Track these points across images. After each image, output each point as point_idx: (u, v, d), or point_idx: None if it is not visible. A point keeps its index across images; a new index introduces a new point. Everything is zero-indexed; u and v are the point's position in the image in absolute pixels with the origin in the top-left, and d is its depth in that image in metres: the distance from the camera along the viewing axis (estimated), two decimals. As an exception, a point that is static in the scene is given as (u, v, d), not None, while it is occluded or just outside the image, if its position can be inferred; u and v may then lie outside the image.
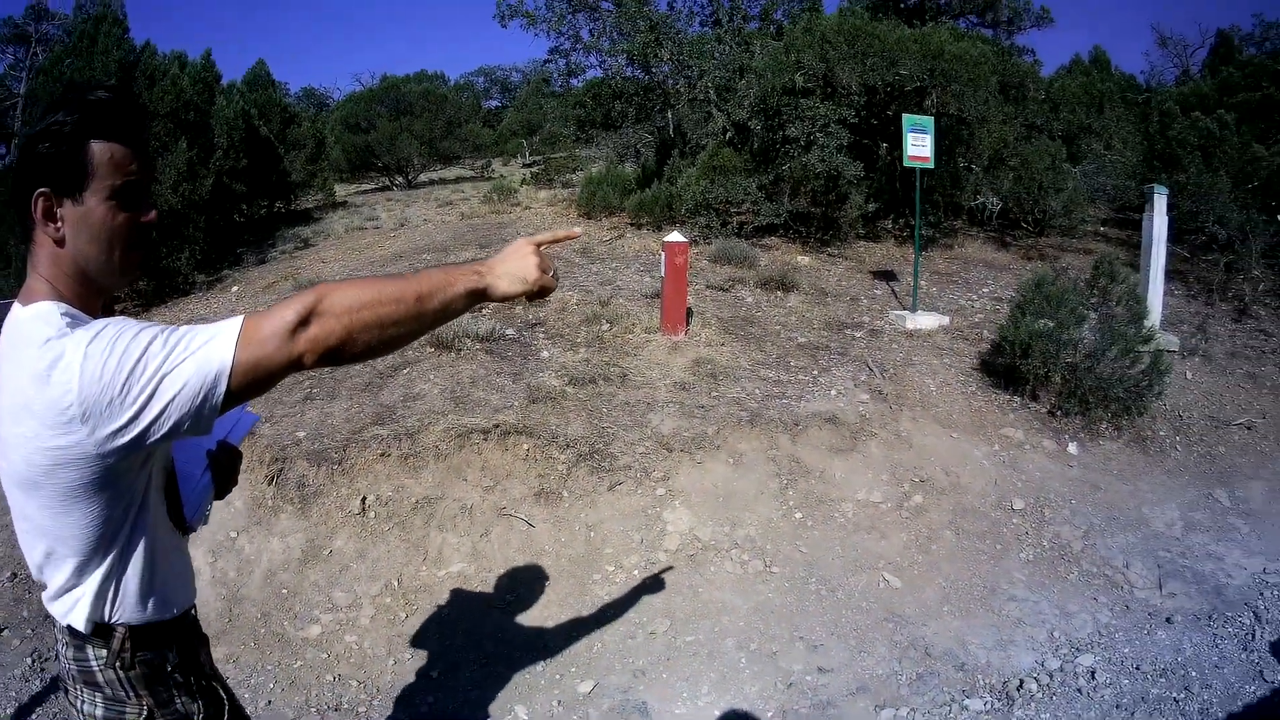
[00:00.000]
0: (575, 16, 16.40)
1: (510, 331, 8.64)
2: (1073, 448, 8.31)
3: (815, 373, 8.50)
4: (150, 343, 1.57)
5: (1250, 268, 12.99)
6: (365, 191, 25.31)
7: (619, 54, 15.59)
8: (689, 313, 9.14)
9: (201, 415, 1.61)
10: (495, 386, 7.52)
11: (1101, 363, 8.48)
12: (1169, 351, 9.66)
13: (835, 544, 6.44)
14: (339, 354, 1.68)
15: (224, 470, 2.32)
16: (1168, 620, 6.11)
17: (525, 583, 5.77)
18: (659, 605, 5.70)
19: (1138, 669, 5.46)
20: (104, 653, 1.87)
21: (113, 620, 1.85)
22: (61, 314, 1.67)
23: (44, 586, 1.85)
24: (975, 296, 11.67)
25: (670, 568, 5.99)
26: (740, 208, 13.30)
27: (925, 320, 10.15)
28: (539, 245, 1.98)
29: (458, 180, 26.05)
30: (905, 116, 10.21)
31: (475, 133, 29.61)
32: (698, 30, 16.95)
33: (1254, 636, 5.90)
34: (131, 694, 1.90)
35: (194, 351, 1.58)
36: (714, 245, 12.06)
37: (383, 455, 6.48)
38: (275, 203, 18.78)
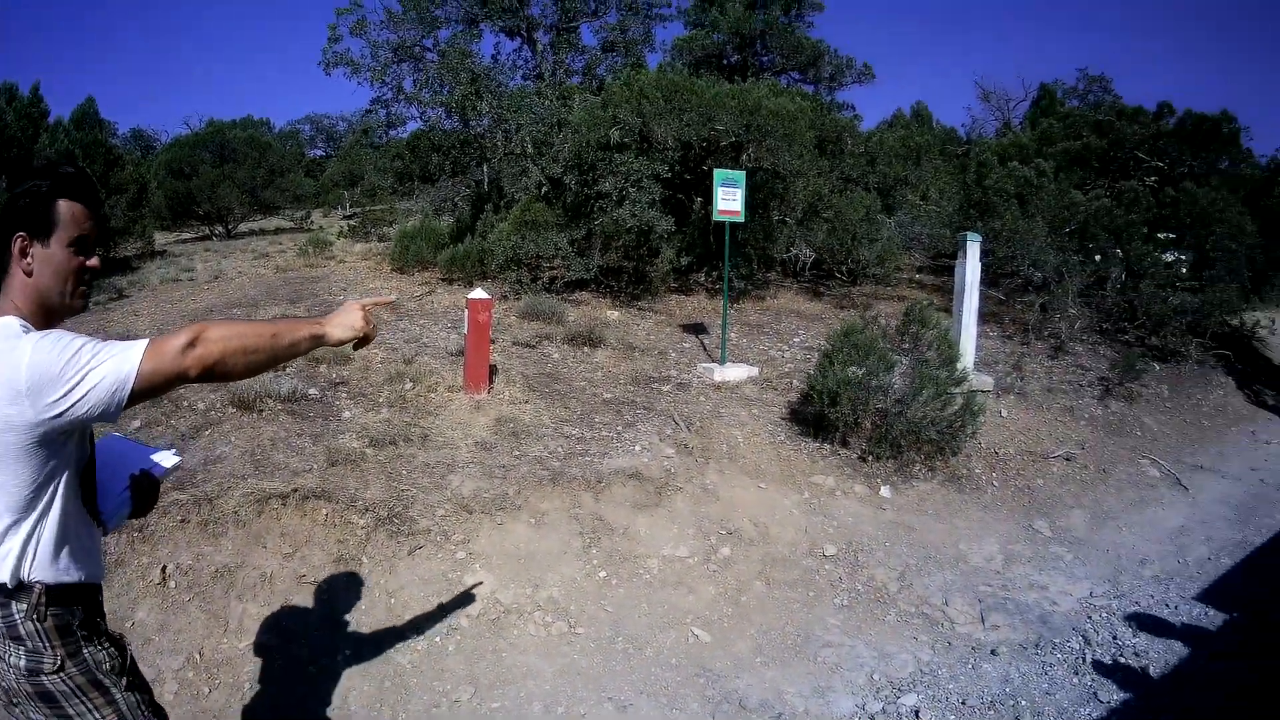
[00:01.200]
0: (399, 66, 16.94)
1: (313, 391, 8.66)
2: (885, 491, 8.82)
3: (620, 428, 8.84)
4: (81, 346, 2.23)
5: (1066, 306, 14.08)
6: (185, 240, 24.78)
7: (438, 105, 15.95)
8: (493, 370, 9.38)
9: (111, 405, 2.25)
10: (295, 448, 7.52)
11: (913, 406, 9.08)
12: (983, 391, 10.32)
13: (641, 601, 6.67)
14: (214, 371, 2.37)
15: (144, 493, 3.01)
16: (992, 653, 6.40)
17: (327, 653, 5.76)
18: (463, 672, 5.76)
19: (964, 704, 5.69)
20: (24, 606, 2.38)
21: (31, 578, 2.38)
22: (20, 324, 2.34)
23: None
24: (786, 347, 12.36)
25: (473, 633, 6.09)
26: (552, 263, 13.71)
27: (734, 372, 10.69)
28: (364, 306, 2.78)
29: (277, 231, 25.83)
30: (716, 171, 10.76)
31: (297, 182, 29.75)
32: (519, 83, 17.52)
33: (1084, 660, 6.29)
34: (47, 644, 2.41)
35: (113, 355, 2.24)
36: (523, 301, 12.52)
37: (183, 522, 6.35)
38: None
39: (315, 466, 7.25)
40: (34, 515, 2.37)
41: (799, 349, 12.24)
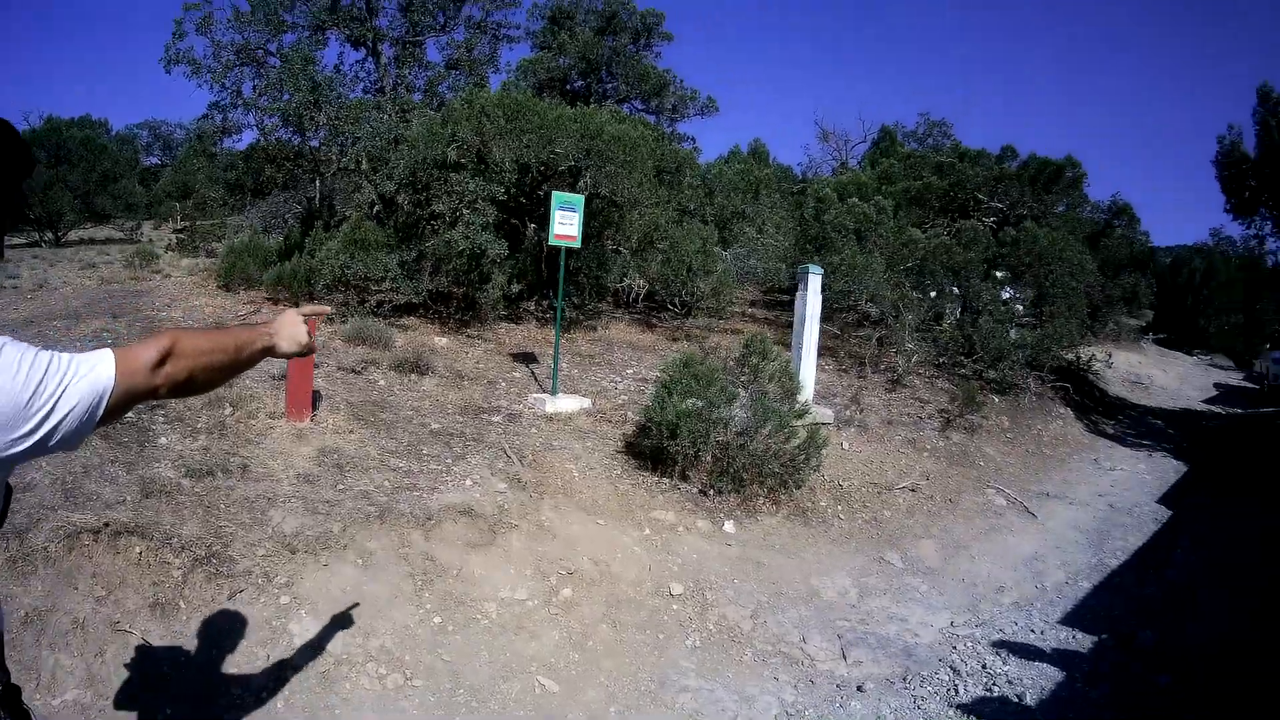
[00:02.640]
0: (240, 70, 16.51)
1: (128, 415, 8.22)
2: (729, 526, 8.92)
3: (449, 461, 8.70)
4: (48, 365, 1.94)
5: (903, 341, 14.56)
6: (14, 245, 23.31)
7: (275, 112, 15.54)
8: (316, 397, 9.10)
9: (85, 430, 2.02)
10: (108, 477, 7.06)
11: (755, 440, 9.25)
12: (824, 424, 10.52)
13: (481, 649, 6.53)
14: (181, 389, 2.28)
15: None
16: (859, 689, 6.52)
17: (147, 710, 5.40)
18: (292, 734, 5.58)
19: (838, 746, 5.70)
20: None
21: None
22: None
23: None
24: (619, 378, 12.49)
25: (303, 687, 5.83)
26: (380, 285, 13.49)
27: (566, 404, 10.72)
28: (304, 315, 2.86)
29: (107, 241, 24.68)
30: (554, 194, 10.76)
31: (130, 190, 28.91)
32: (359, 96, 17.23)
33: (956, 691, 6.46)
34: None
35: (84, 375, 1.99)
36: (349, 324, 12.27)
37: None
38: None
39: (129, 498, 6.86)
40: None
41: (632, 380, 12.37)
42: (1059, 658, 7.00)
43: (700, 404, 9.16)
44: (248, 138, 19.00)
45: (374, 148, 15.15)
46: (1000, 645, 7.16)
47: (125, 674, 5.50)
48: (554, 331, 12.64)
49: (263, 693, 5.69)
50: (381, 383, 10.68)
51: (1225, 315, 31.61)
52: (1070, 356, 17.12)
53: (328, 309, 3.20)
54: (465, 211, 12.65)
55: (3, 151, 2.15)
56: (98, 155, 28.66)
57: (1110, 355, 18.90)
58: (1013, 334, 15.14)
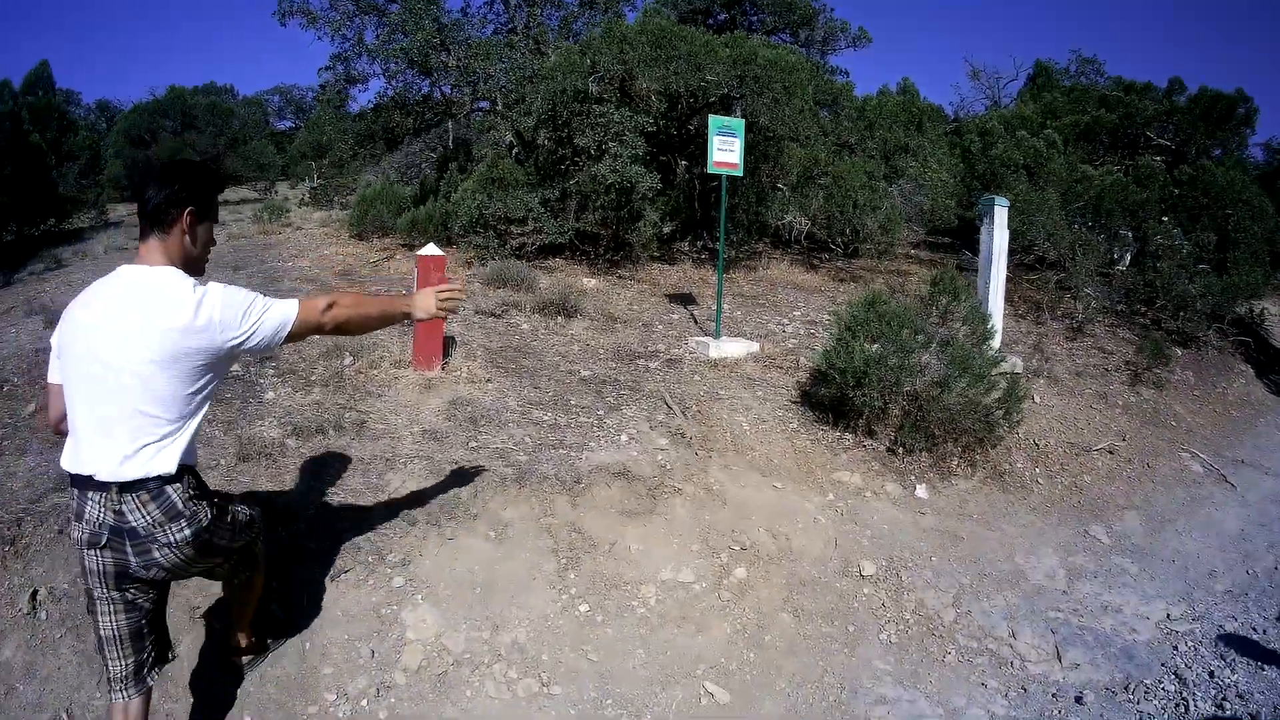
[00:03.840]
0: (360, 19, 14.49)
1: (235, 367, 6.60)
2: (922, 491, 7.00)
3: (601, 413, 6.85)
4: (255, 297, 3.05)
5: (1081, 285, 12.21)
6: None
7: (398, 56, 13.71)
8: (449, 343, 7.44)
9: (274, 342, 3.11)
10: (202, 437, 5.48)
11: (951, 391, 7.20)
12: (1016, 374, 8.45)
13: (636, 646, 4.76)
14: (340, 328, 3.34)
15: None
16: (1078, 700, 4.97)
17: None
18: (394, 753, 3.96)
19: (1056, 778, 4.18)
20: (181, 485, 3.02)
21: (185, 463, 3.03)
22: (185, 275, 3.00)
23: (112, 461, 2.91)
24: (786, 321, 10.34)
25: (412, 694, 4.14)
26: (523, 225, 11.61)
27: (731, 347, 8.69)
28: (439, 293, 3.66)
29: (241, 202, 23.47)
30: (711, 118, 8.80)
31: (261, 151, 27.38)
32: (489, 36, 15.26)
33: (1187, 708, 4.92)
34: (203, 504, 3.12)
35: (277, 307, 3.08)
36: (489, 267, 10.48)
37: (61, 532, 4.43)
38: (46, 220, 17.04)
39: (223, 461, 5.37)
40: (196, 418, 3.05)
41: (800, 323, 10.26)
42: (1288, 667, 5.50)
43: (890, 349, 7.14)
44: (374, 88, 17.27)
45: (509, 84, 13.16)
46: (1222, 647, 5.65)
47: (206, 668, 4.16)
48: (713, 272, 10.83)
49: (362, 700, 4.04)
50: (524, 327, 8.82)
51: None
52: (1241, 310, 14.43)
53: (460, 285, 3.82)
54: (611, 144, 10.68)
55: (205, 182, 3.17)
56: (225, 119, 27.19)
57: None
58: (1198, 282, 12.60)
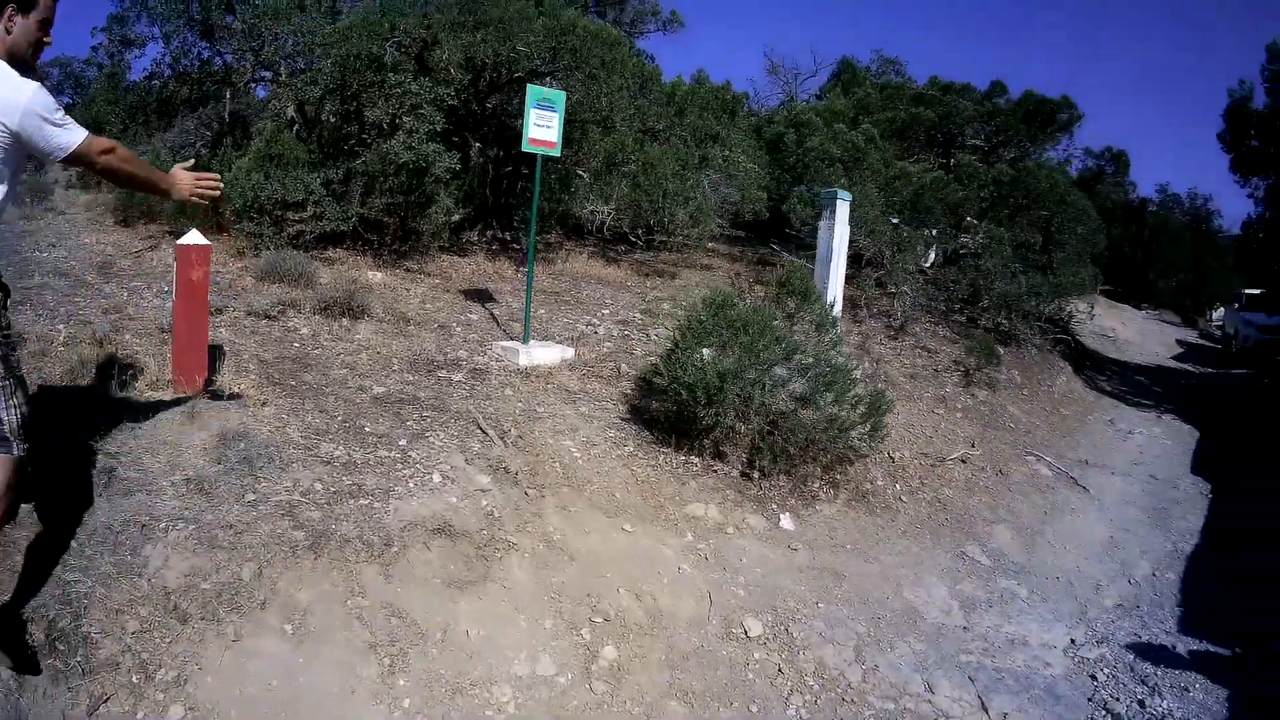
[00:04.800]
0: None
1: None
2: (787, 521, 6.24)
3: (404, 443, 5.55)
4: (62, 110, 3.31)
5: (899, 284, 11.83)
6: None
7: (179, 13, 11.80)
8: (216, 353, 5.95)
9: (54, 152, 3.31)
10: None
11: (821, 406, 6.41)
12: (878, 388, 7.90)
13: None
14: (109, 173, 3.57)
15: None
16: None
17: None
18: None
19: None
20: None
21: None
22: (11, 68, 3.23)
23: None
24: (595, 320, 9.31)
25: None
26: (301, 211, 10.07)
27: (543, 354, 7.64)
28: (197, 179, 3.91)
29: None
30: (530, 87, 7.64)
31: None
32: None
33: None
34: None
35: (74, 127, 3.34)
36: (263, 258, 8.76)
37: None
38: None
39: None
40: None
41: (611, 323, 9.26)
42: (1207, 683, 5.45)
43: (748, 360, 6.25)
44: (151, 54, 15.17)
45: (297, 49, 11.65)
46: (1140, 665, 5.60)
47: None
48: (509, 265, 9.89)
49: None
50: (304, 331, 7.33)
51: (1174, 272, 29.23)
52: (1051, 308, 14.60)
53: (216, 177, 4.04)
54: (407, 119, 9.43)
55: None
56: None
57: (1093, 308, 16.33)
58: (1024, 281, 12.50)
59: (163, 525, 4.06)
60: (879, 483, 7.22)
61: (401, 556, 4.33)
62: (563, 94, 7.82)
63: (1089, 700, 5.09)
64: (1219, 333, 26.49)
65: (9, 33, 3.26)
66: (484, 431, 5.77)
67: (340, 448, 5.20)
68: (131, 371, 5.47)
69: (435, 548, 4.47)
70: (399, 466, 5.13)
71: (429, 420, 5.85)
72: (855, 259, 12.69)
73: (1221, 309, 28.52)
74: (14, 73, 3.21)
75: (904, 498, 7.23)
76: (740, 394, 6.15)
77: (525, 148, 7.51)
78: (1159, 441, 11.34)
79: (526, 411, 6.37)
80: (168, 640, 3.51)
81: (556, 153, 7.90)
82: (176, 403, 5.18)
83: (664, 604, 4.85)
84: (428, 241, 10.26)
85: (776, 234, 14.54)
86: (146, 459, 4.61)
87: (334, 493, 4.73)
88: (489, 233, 11.79)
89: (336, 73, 9.62)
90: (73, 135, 3.34)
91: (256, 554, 4.03)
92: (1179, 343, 23.87)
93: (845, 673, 4.89)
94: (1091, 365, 15.05)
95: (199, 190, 3.91)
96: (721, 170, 12.88)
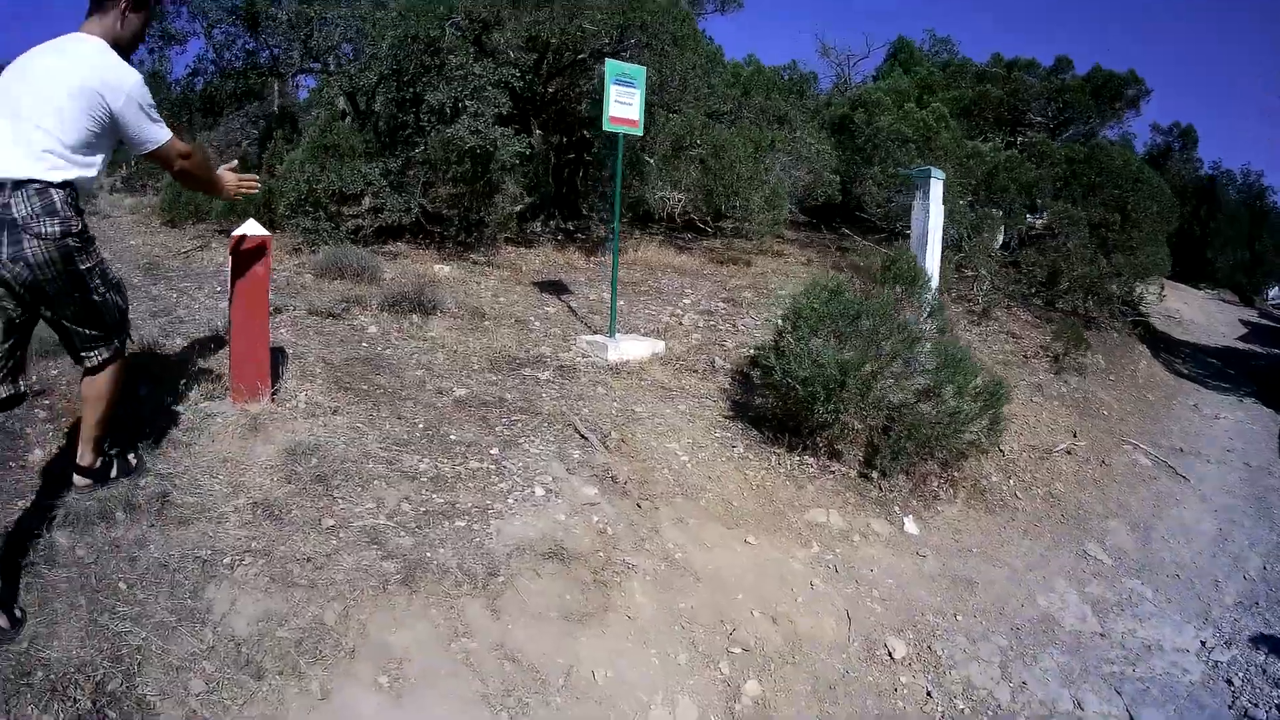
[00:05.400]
0: None
1: None
2: (911, 525, 5.55)
3: (496, 452, 4.85)
4: (154, 105, 3.49)
5: (979, 266, 11.01)
6: None
7: (222, 7, 11.14)
8: (278, 357, 5.28)
9: (139, 145, 3.46)
10: None
11: (943, 400, 5.72)
12: (996, 379, 7.22)
13: None
14: (182, 175, 3.71)
15: None
16: None
17: None
18: None
19: None
20: (64, 193, 3.28)
21: (73, 183, 3.35)
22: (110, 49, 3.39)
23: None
24: (677, 310, 8.53)
25: None
26: (357, 204, 9.40)
27: (631, 348, 6.90)
28: (237, 177, 4.03)
29: None
30: (609, 62, 6.96)
31: None
32: None
33: None
34: (79, 220, 3.36)
35: (162, 125, 3.50)
36: (322, 254, 8.17)
37: None
38: None
39: None
40: (89, 159, 3.37)
41: (695, 313, 8.46)
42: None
43: (868, 352, 5.53)
44: (194, 49, 14.42)
45: (347, 36, 10.92)
46: (1272, 668, 5.14)
47: None
48: (580, 255, 9.26)
49: None
50: (372, 329, 6.61)
51: (1232, 250, 27.89)
52: (1122, 289, 13.70)
53: (255, 179, 4.20)
54: (469, 102, 8.61)
55: None
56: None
57: (1162, 289, 15.38)
58: (1104, 262, 11.61)
59: (228, 560, 3.39)
60: (993, 479, 6.50)
61: (509, 587, 3.63)
62: (643, 69, 7.10)
63: (1229, 708, 4.71)
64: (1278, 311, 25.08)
65: (121, 26, 3.47)
66: (583, 436, 5.07)
67: (426, 460, 4.54)
68: (185, 380, 4.80)
69: (546, 575, 3.78)
70: (494, 479, 4.45)
71: (520, 425, 5.15)
72: (927, 241, 11.95)
73: (1276, 289, 27.34)
74: (121, 60, 3.40)
75: (1019, 494, 6.51)
76: (860, 387, 5.42)
77: (606, 126, 6.80)
78: (1245, 427, 10.57)
79: (624, 412, 5.66)
80: (240, 701, 2.83)
81: (639, 131, 7.18)
82: (237, 414, 4.54)
83: (802, 627, 4.17)
84: (494, 232, 9.53)
85: (845, 218, 13.67)
86: (205, 480, 3.99)
87: (425, 514, 4.06)
88: (552, 223, 11.03)
89: (392, 58, 8.89)
90: (162, 132, 3.50)
91: (340, 592, 3.35)
92: (1242, 322, 22.56)
93: (994, 692, 4.39)
94: (1166, 348, 14.07)
95: (241, 189, 4.07)
96: (791, 152, 12.02)
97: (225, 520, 3.69)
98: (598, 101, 9.24)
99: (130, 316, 3.75)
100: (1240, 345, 18.57)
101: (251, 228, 4.61)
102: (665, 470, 5.02)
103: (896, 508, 5.53)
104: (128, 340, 3.75)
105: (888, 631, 4.41)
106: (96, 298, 3.47)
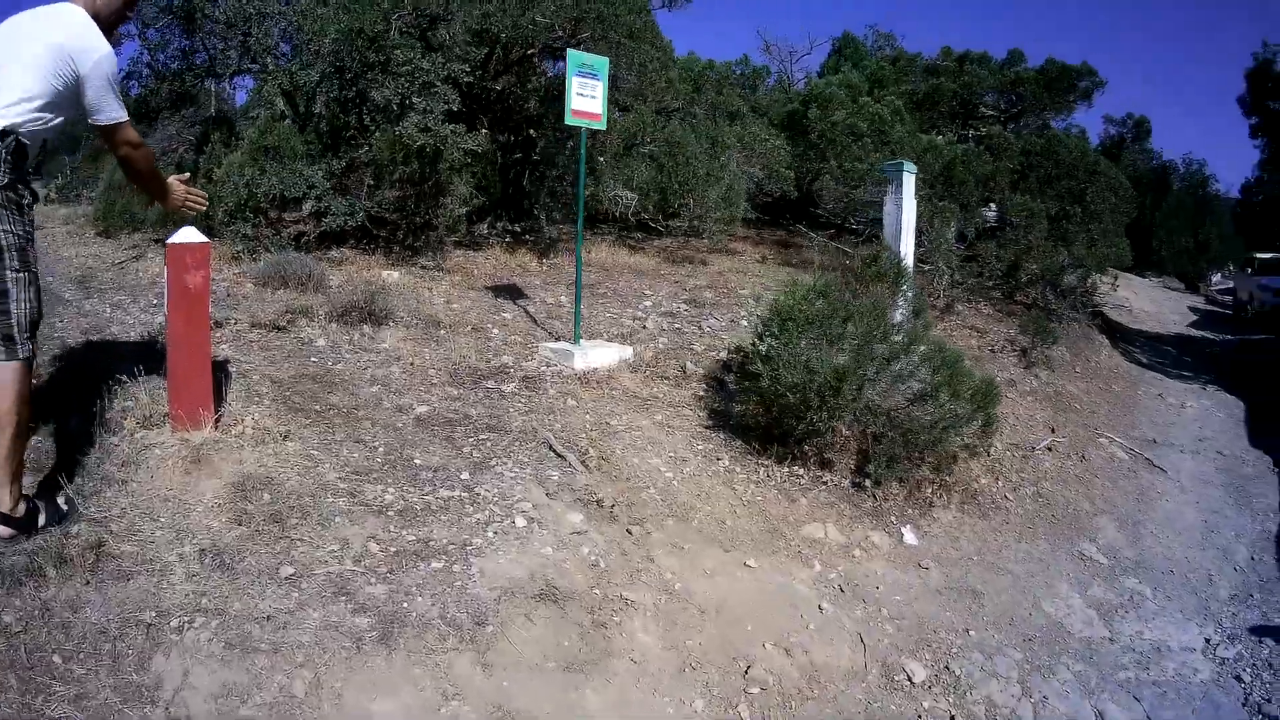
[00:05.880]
0: None
1: None
2: (910, 535, 5.25)
3: (467, 476, 4.40)
4: (115, 82, 3.51)
5: (939, 261, 10.81)
6: None
7: (157, 6, 10.46)
8: (219, 376, 4.60)
9: (92, 114, 3.45)
10: None
11: (940, 405, 5.44)
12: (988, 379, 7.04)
13: None
14: (127, 164, 3.73)
15: None
16: None
17: None
18: None
19: None
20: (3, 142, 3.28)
21: (16, 133, 3.32)
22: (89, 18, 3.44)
23: None
24: (639, 313, 8.14)
25: None
26: (297, 209, 8.84)
27: (599, 355, 6.46)
28: (185, 189, 4.03)
29: None
30: (571, 53, 6.58)
31: None
32: None
33: None
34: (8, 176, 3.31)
35: (120, 104, 3.52)
36: (263, 262, 7.62)
37: None
38: None
39: None
40: (45, 117, 3.34)
41: (657, 315, 8.09)
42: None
43: (863, 356, 5.23)
44: (128, 51, 13.56)
45: (289, 32, 10.02)
46: (1277, 660, 5.11)
47: None
48: (532, 258, 9.04)
49: None
50: (321, 342, 6.08)
51: (1176, 238, 28.53)
52: (1073, 280, 13.67)
53: (204, 195, 4.25)
54: (417, 99, 8.15)
55: None
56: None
57: (1115, 279, 15.37)
58: (1064, 254, 11.48)
59: (175, 623, 2.91)
60: (982, 481, 6.21)
61: (500, 637, 3.20)
62: (605, 60, 6.71)
63: (1243, 705, 4.65)
64: (1226, 298, 25.49)
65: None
66: (559, 455, 4.65)
67: (391, 490, 4.08)
68: (120, 407, 4.24)
69: (540, 619, 3.36)
70: (469, 509, 4.02)
71: (489, 444, 4.73)
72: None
73: (1219, 275, 27.71)
74: (97, 29, 3.43)
75: (1009, 495, 6.25)
76: (852, 393, 5.09)
77: (569, 120, 6.39)
78: (1211, 414, 10.54)
79: (598, 425, 5.25)
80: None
81: (602, 125, 6.80)
82: (178, 444, 3.99)
83: (817, 657, 3.85)
84: (442, 235, 9.06)
85: (795, 214, 13.37)
86: (145, 525, 3.48)
87: (396, 555, 3.58)
88: (499, 224, 10.57)
89: (334, 54, 8.36)
90: (119, 111, 3.52)
91: (309, 656, 2.89)
92: (1191, 309, 22.96)
93: (1017, 710, 4.19)
94: (1123, 338, 14.04)
95: (189, 203, 4.04)
96: (747, 148, 11.65)
97: (170, 572, 3.21)
98: (547, 98, 8.81)
99: (40, 330, 3.50)
100: (1194, 332, 18.76)
101: (188, 234, 4.17)
102: (651, 489, 4.63)
103: (893, 517, 5.21)
104: (32, 353, 3.39)
105: (904, 654, 4.13)
106: (8, 283, 3.28)
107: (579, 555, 3.83)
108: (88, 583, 3.10)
